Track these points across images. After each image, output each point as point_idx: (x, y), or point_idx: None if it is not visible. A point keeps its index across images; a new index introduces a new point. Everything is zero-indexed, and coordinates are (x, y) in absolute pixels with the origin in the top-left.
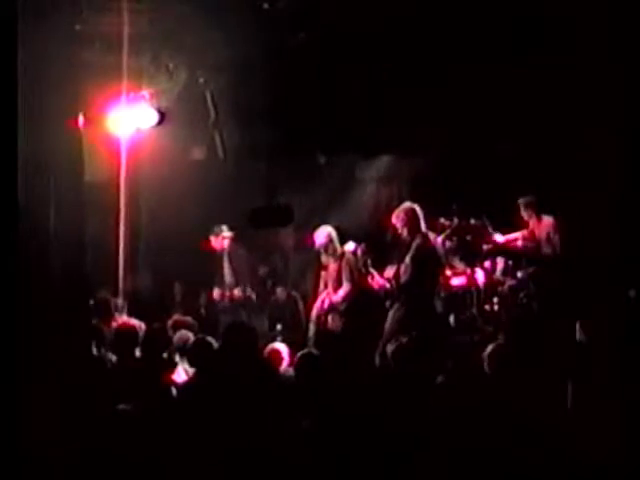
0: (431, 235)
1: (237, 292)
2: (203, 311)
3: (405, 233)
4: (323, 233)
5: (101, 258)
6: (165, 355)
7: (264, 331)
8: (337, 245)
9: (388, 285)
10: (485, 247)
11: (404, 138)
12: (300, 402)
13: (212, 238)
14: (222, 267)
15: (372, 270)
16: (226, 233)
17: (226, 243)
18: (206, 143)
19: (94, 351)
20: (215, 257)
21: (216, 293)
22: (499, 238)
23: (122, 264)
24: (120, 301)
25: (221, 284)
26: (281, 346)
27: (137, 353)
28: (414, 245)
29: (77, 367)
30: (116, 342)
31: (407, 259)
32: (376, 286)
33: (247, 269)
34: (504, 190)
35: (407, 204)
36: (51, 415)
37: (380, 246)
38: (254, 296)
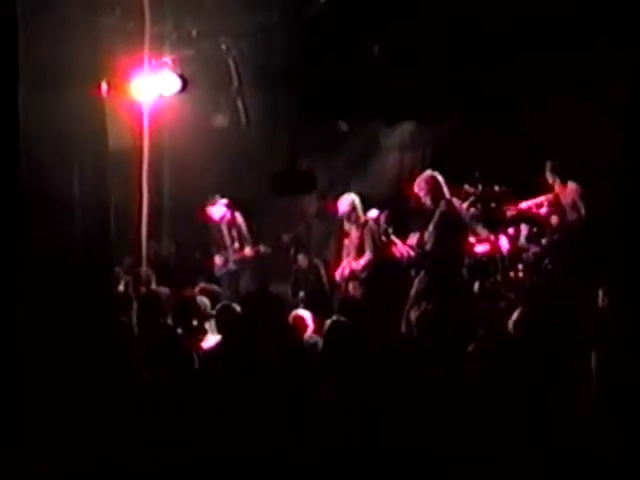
0: (455, 202)
1: (248, 251)
2: (226, 278)
3: (428, 201)
4: (346, 201)
5: (124, 225)
6: (195, 322)
7: (287, 298)
8: (360, 213)
9: (412, 253)
10: (509, 214)
11: (427, 105)
12: (325, 369)
13: (209, 207)
14: (222, 234)
15: (393, 238)
16: (222, 200)
17: (222, 210)
18: (229, 110)
19: (121, 319)
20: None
21: (218, 260)
22: (523, 204)
23: (145, 231)
24: (147, 270)
25: (223, 251)
26: (305, 313)
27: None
28: (438, 212)
29: (101, 335)
30: (142, 309)
31: (431, 226)
32: (398, 254)
33: (248, 232)
34: (528, 157)
35: (427, 172)
36: (74, 384)
37: (403, 214)
38: (270, 250)
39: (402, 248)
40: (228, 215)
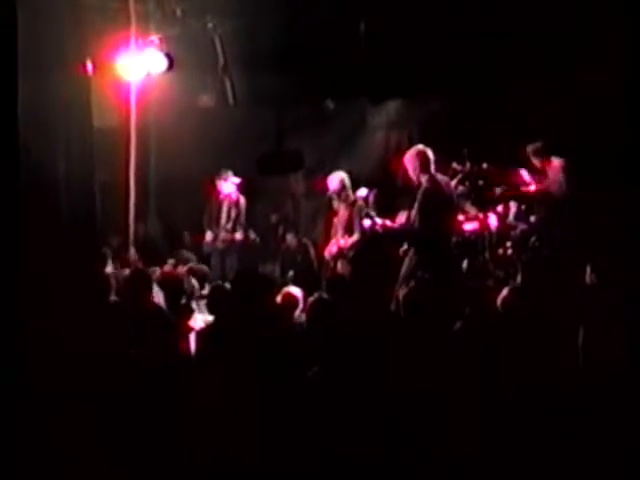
0: (440, 178)
1: (239, 235)
2: (214, 255)
3: (416, 177)
4: (336, 179)
5: (111, 205)
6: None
7: (276, 277)
8: (349, 192)
9: (399, 231)
10: (497, 191)
11: (413, 82)
12: (309, 346)
13: (218, 181)
14: (220, 211)
15: (374, 216)
16: (234, 179)
17: (232, 188)
18: (216, 89)
19: (108, 298)
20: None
21: (208, 236)
22: (525, 175)
23: (132, 210)
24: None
25: (215, 227)
26: (296, 290)
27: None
28: (421, 189)
29: (89, 315)
30: (129, 287)
31: (416, 204)
32: (382, 232)
33: (245, 216)
34: (516, 133)
35: (420, 146)
36: (61, 363)
37: (392, 192)
38: (258, 239)
39: (387, 225)
40: (234, 195)
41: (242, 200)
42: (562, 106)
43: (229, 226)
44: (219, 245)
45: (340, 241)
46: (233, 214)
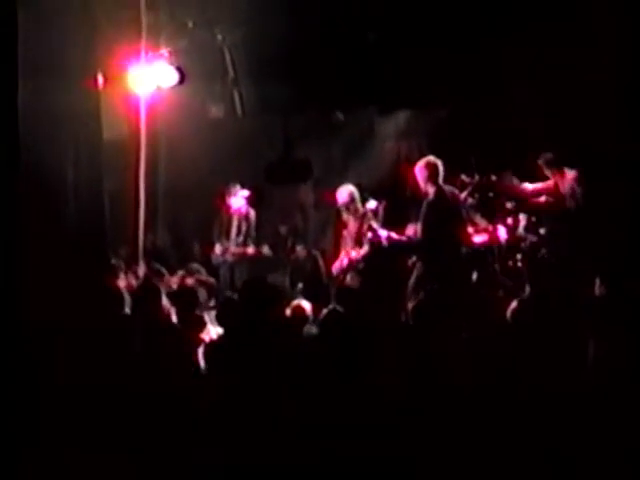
0: (448, 190)
1: (250, 249)
2: (223, 268)
3: (427, 188)
4: (345, 191)
5: (121, 216)
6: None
7: (285, 289)
8: (359, 204)
9: (406, 242)
10: (507, 203)
11: (423, 93)
12: (323, 359)
13: (228, 197)
14: (230, 225)
15: (378, 229)
16: (243, 192)
17: (242, 202)
18: (225, 100)
19: (118, 309)
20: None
21: (218, 248)
22: (529, 186)
23: (142, 222)
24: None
25: (225, 240)
26: (305, 303)
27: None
28: (426, 202)
29: (97, 325)
30: (139, 300)
31: (422, 216)
32: (390, 244)
33: (255, 228)
34: (526, 144)
35: (430, 157)
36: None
37: (401, 203)
38: (271, 253)
39: (391, 239)
40: (244, 209)
41: (252, 213)
42: (573, 117)
43: (240, 240)
44: (229, 258)
45: (352, 253)
46: (244, 228)
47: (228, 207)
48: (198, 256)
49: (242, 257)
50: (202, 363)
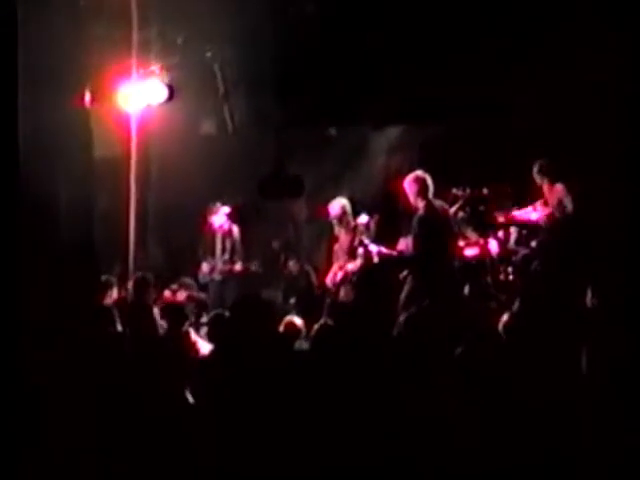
0: (437, 204)
1: (238, 266)
2: (212, 285)
3: (416, 202)
4: (337, 205)
5: (111, 234)
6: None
7: (278, 304)
8: (350, 217)
9: (396, 257)
10: (498, 217)
11: (414, 108)
12: (316, 374)
13: (209, 215)
14: (214, 242)
15: (368, 244)
16: (224, 209)
17: (223, 219)
18: (216, 117)
19: (108, 327)
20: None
21: (205, 267)
22: (515, 213)
23: (132, 239)
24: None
25: (210, 259)
26: (297, 319)
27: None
28: (416, 216)
29: (88, 343)
30: (131, 316)
31: (413, 231)
32: (383, 258)
33: (241, 245)
34: (517, 158)
35: (419, 172)
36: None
37: (394, 217)
38: (259, 269)
39: (382, 253)
40: (226, 225)
41: (235, 229)
42: (563, 128)
43: (226, 257)
44: (216, 276)
45: (348, 266)
46: (228, 245)
47: (210, 225)
48: (189, 272)
49: (230, 274)
50: (193, 379)
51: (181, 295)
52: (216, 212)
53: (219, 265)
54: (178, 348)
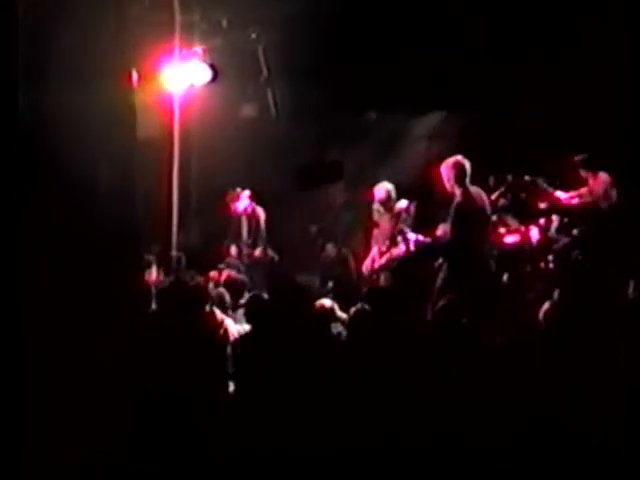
0: (474, 190)
1: (257, 252)
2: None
3: (450, 187)
4: (383, 189)
5: (154, 215)
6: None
7: (315, 288)
8: (394, 203)
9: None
10: (540, 204)
11: (455, 94)
12: (351, 358)
13: (230, 201)
14: (239, 226)
15: (407, 232)
16: (245, 193)
17: (246, 202)
18: (258, 100)
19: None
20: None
21: (233, 250)
22: (560, 195)
23: (175, 221)
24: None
25: (237, 241)
26: (328, 302)
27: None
28: (454, 203)
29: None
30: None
31: (449, 218)
32: (422, 246)
33: (266, 229)
34: (559, 147)
35: (458, 157)
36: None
37: (433, 204)
38: (276, 257)
39: (419, 242)
40: (249, 209)
41: (258, 212)
42: (609, 118)
43: (250, 241)
44: (244, 260)
45: (387, 254)
46: (253, 228)
47: (235, 211)
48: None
49: (251, 259)
50: (230, 360)
51: (224, 275)
52: (237, 198)
53: (244, 249)
54: (200, 328)
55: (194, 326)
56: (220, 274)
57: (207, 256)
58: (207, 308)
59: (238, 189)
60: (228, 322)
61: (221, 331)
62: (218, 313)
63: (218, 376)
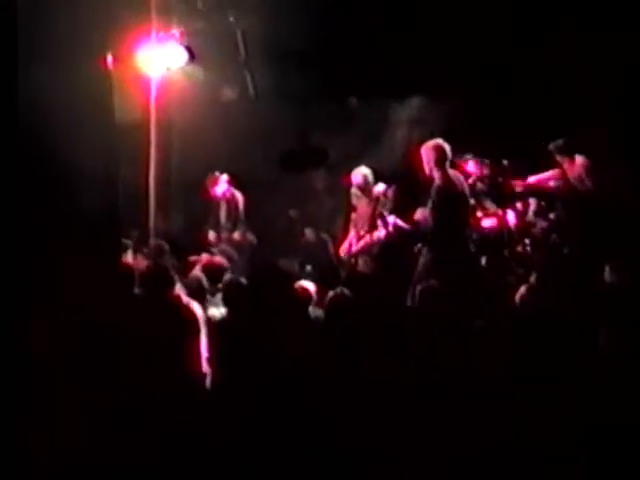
0: (452, 174)
1: (236, 235)
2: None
3: (428, 170)
4: (359, 174)
5: (132, 199)
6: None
7: (294, 272)
8: (372, 187)
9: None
10: (517, 189)
11: (436, 79)
12: (329, 342)
13: (210, 187)
14: (218, 211)
15: (387, 216)
16: (223, 177)
17: (224, 187)
18: (237, 84)
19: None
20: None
21: (211, 235)
22: (531, 179)
23: (153, 205)
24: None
25: (216, 226)
26: (309, 284)
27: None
28: (434, 186)
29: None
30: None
31: (429, 202)
32: (402, 230)
33: (244, 212)
34: (538, 130)
35: (439, 140)
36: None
37: (414, 188)
38: (255, 240)
39: (400, 223)
40: (228, 193)
41: (238, 196)
42: (586, 104)
43: (229, 225)
44: (222, 245)
45: (368, 237)
46: (232, 212)
47: (214, 195)
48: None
49: (231, 243)
50: (206, 343)
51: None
52: (216, 182)
53: (224, 233)
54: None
55: (157, 309)
56: (201, 259)
57: (188, 241)
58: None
59: (217, 173)
60: (195, 306)
61: (187, 314)
62: (184, 297)
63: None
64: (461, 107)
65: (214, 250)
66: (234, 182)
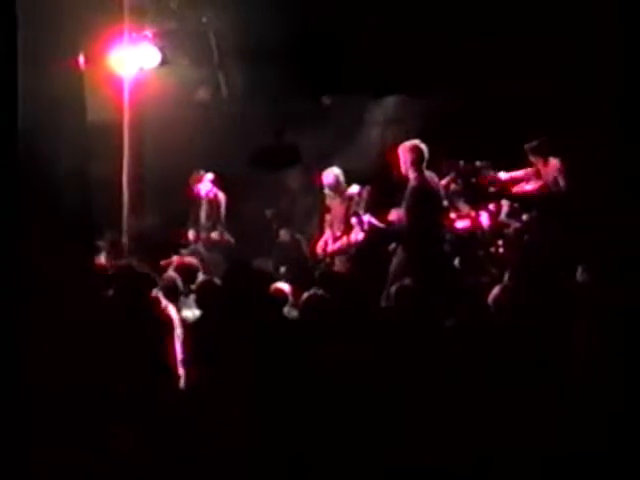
0: (428, 175)
1: (214, 235)
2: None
3: (405, 170)
4: (331, 174)
5: (105, 200)
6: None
7: (269, 273)
8: (344, 187)
9: (387, 228)
10: (490, 189)
11: (411, 79)
12: (303, 342)
13: (195, 184)
14: (199, 209)
15: (361, 215)
16: (208, 176)
17: (209, 186)
18: (210, 84)
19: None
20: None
21: (191, 234)
22: (503, 176)
23: (127, 206)
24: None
25: (196, 225)
26: (284, 285)
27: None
28: (409, 187)
29: (83, 307)
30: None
31: (404, 202)
32: (379, 230)
33: (225, 213)
34: (512, 132)
35: (416, 141)
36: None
37: (388, 188)
38: (232, 240)
39: (372, 224)
40: (211, 193)
41: (220, 196)
42: (560, 106)
43: (209, 225)
44: (200, 244)
45: (344, 237)
46: (213, 212)
47: (197, 193)
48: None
49: (209, 242)
50: (180, 346)
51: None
52: (201, 180)
53: (203, 233)
54: (146, 314)
55: (135, 312)
56: (176, 259)
57: (161, 241)
58: (153, 294)
59: (202, 171)
60: (171, 309)
61: (163, 317)
62: (163, 299)
63: (157, 364)
64: (436, 107)
65: (183, 252)
66: (218, 182)
